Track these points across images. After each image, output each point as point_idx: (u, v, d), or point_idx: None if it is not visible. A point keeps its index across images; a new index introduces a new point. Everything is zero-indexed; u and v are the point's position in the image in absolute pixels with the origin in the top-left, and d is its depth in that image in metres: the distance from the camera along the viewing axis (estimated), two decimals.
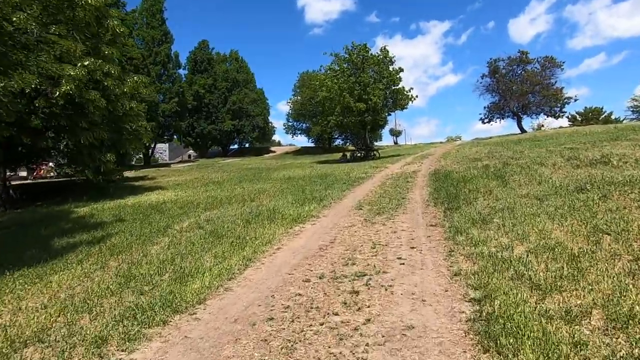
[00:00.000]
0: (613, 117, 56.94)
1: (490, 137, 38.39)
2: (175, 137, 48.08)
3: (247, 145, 57.65)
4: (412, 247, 4.62)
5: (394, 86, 24.21)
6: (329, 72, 25.07)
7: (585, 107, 58.15)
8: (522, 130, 36.68)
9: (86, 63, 10.43)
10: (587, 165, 8.33)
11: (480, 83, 37.84)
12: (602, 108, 61.52)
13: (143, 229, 6.87)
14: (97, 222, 7.87)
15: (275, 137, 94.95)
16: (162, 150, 61.36)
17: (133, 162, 43.40)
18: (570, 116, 53.48)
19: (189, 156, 53.13)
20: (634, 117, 51.66)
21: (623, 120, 52.52)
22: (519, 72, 35.52)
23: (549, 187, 6.60)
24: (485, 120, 38.28)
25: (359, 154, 26.20)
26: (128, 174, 27.67)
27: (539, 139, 22.13)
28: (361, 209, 7.33)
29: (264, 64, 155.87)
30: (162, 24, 37.11)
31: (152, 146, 39.55)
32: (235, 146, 57.42)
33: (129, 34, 31.53)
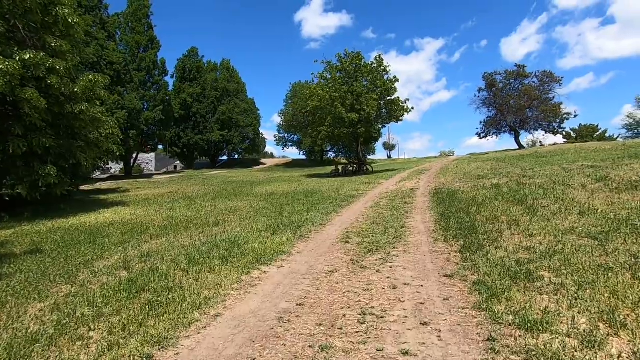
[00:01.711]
0: (607, 134, 56.50)
1: (487, 153, 37.16)
2: (160, 147, 46.22)
3: (236, 156, 55.92)
4: (424, 324, 2.88)
5: (388, 97, 22.78)
6: (320, 80, 23.60)
7: (580, 124, 57.69)
8: (520, 146, 35.52)
9: (27, 57, 8.70)
10: (630, 188, 6.72)
11: (477, 97, 36.79)
12: (597, 125, 61.28)
13: (51, 269, 5.04)
14: (0, 255, 6.01)
15: (269, 149, 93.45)
16: (148, 160, 59.21)
17: (105, 174, 41.38)
18: (564, 133, 52.89)
19: (175, 167, 51.12)
20: (628, 134, 51.03)
21: (617, 137, 51.94)
22: (517, 86, 34.50)
23: (601, 220, 4.95)
24: (482, 135, 37.08)
25: (351, 168, 24.57)
26: (103, 185, 25.69)
27: (542, 155, 20.74)
28: (348, 241, 5.59)
29: (259, 76, 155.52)
30: (149, 30, 35.59)
31: (134, 156, 37.53)
32: (225, 157, 55.65)
33: (109, 37, 29.97)
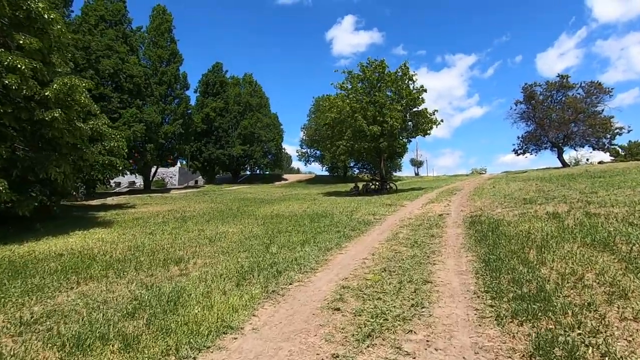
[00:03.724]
0: None
1: (525, 171, 33.86)
2: (180, 161, 45.97)
3: (258, 171, 55.03)
4: None
5: (414, 108, 20.67)
6: (340, 91, 21.88)
7: (630, 141, 52.72)
8: (564, 164, 32.07)
9: None
10: None
11: (514, 110, 33.82)
12: None
13: None
14: None
15: (296, 165, 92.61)
16: (172, 174, 59.45)
17: (131, 186, 41.16)
18: (612, 150, 48.30)
19: (196, 182, 50.67)
20: None
21: None
22: (559, 98, 31.35)
23: None
24: (520, 152, 33.90)
25: (372, 186, 22.43)
26: (114, 199, 24.87)
27: (597, 174, 17.84)
28: (339, 309, 3.59)
29: (289, 93, 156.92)
30: (171, 44, 35.54)
31: (154, 170, 37.08)
32: (247, 172, 54.86)
33: (131, 51, 29.81)
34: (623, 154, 52.04)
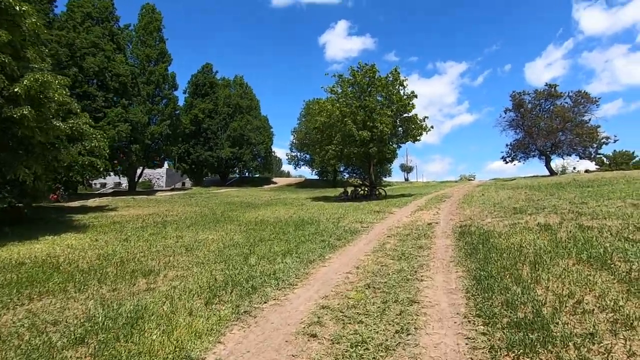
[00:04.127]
0: None
1: (514, 179, 34.03)
2: (167, 162, 45.15)
3: (248, 174, 54.36)
4: None
5: (405, 113, 20.48)
6: (330, 95, 21.59)
7: (614, 151, 53.65)
8: (552, 172, 32.29)
9: None
10: None
11: (503, 118, 34.01)
12: (632, 152, 57.04)
13: None
14: None
15: (287, 168, 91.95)
16: (159, 175, 58.39)
17: (116, 187, 40.16)
18: (597, 159, 49.04)
19: (183, 184, 49.78)
20: None
21: None
22: (547, 107, 31.63)
23: None
24: (508, 159, 34.05)
25: (361, 192, 22.14)
26: (96, 201, 24.07)
27: (584, 184, 17.86)
28: (315, 335, 3.21)
29: (281, 96, 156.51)
30: (160, 43, 34.89)
31: (139, 171, 36.22)
32: (237, 175, 54.15)
33: (118, 49, 29.10)
34: (608, 163, 52.94)
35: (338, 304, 3.92)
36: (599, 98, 31.14)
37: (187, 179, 53.27)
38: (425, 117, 20.62)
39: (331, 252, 6.69)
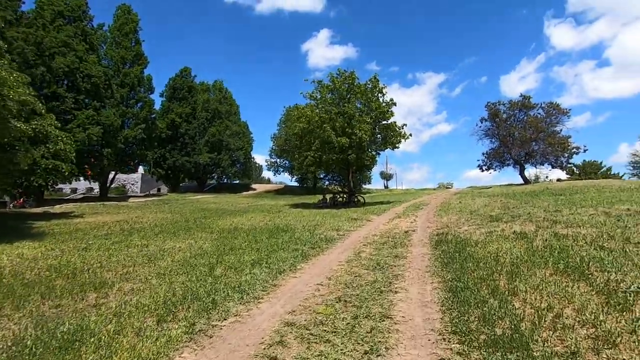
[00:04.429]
0: (612, 172, 54.50)
1: (490, 187, 34.67)
2: (142, 167, 43.81)
3: (227, 180, 53.34)
4: None
5: (384, 121, 20.48)
6: (310, 100, 21.40)
7: (584, 160, 55.73)
8: (526, 180, 33.10)
9: None
10: None
11: (479, 127, 34.72)
12: (600, 162, 59.40)
13: None
14: None
15: (267, 174, 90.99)
16: (133, 181, 56.50)
17: (89, 193, 38.55)
18: (568, 168, 50.80)
19: (158, 190, 48.34)
20: (634, 172, 48.81)
21: (622, 176, 49.90)
22: (521, 117, 32.50)
23: None
24: (484, 168, 34.72)
25: (340, 199, 21.93)
26: (62, 207, 22.86)
27: (557, 192, 18.25)
28: (275, 358, 2.88)
29: (263, 102, 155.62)
30: (136, 45, 33.93)
31: (111, 176, 34.89)
32: (214, 181, 53.08)
33: (91, 49, 28.06)
34: (578, 172, 54.92)
35: (305, 320, 3.59)
36: (569, 109, 32.32)
37: (163, 184, 51.79)
38: (404, 124, 20.71)
39: (304, 262, 6.37)
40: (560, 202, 12.56)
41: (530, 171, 47.25)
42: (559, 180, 40.53)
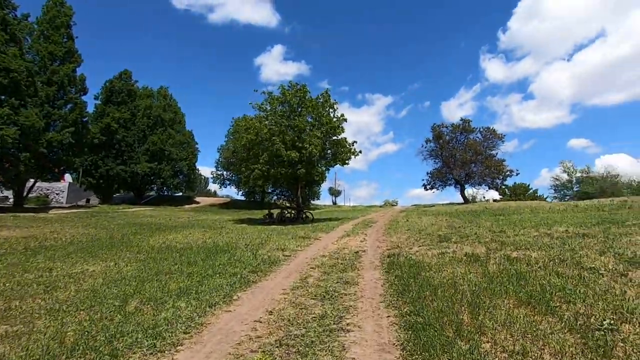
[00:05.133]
0: (538, 194, 59.66)
1: (433, 205, 35.98)
2: (70, 175, 39.59)
3: (168, 192, 49.95)
4: None
5: (334, 136, 20.23)
6: (259, 112, 20.57)
7: (515, 183, 60.62)
8: (466, 200, 34.80)
9: None
10: None
11: (425, 147, 36.17)
12: (528, 185, 65.01)
13: None
14: None
15: (214, 187, 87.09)
16: (59, 190, 50.86)
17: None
18: (501, 190, 54.75)
19: (87, 201, 43.90)
20: (555, 195, 53.69)
21: (546, 198, 54.68)
22: (462, 140, 34.41)
23: None
24: (428, 187, 36.05)
25: (287, 215, 21.11)
26: None
27: (496, 212, 19.07)
28: None
29: (212, 112, 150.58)
30: (68, 41, 30.85)
31: (30, 184, 30.91)
32: (153, 193, 49.46)
33: (11, 40, 24.93)
34: (509, 193, 59.50)
35: None
36: (504, 135, 34.90)
37: (94, 195, 47.20)
38: (354, 141, 20.64)
39: (242, 290, 5.49)
40: (502, 222, 12.90)
41: (468, 191, 50.16)
42: (495, 200, 43.33)
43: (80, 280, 6.05)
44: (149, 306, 4.56)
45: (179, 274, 6.49)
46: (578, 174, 44.41)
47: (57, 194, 50.78)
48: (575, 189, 45.26)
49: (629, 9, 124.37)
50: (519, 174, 35.47)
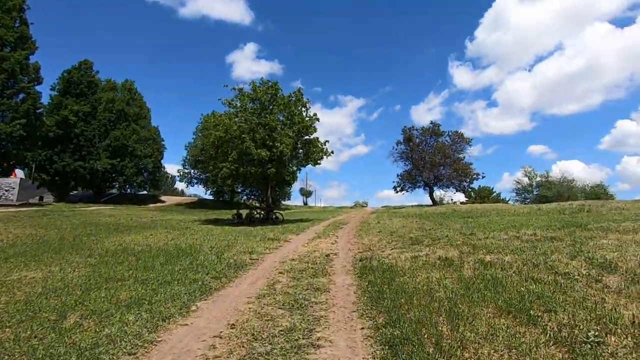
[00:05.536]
0: (501, 197, 62.09)
1: (403, 207, 36.40)
2: (21, 171, 36.84)
3: (131, 191, 47.60)
4: None
5: (306, 136, 19.85)
6: (228, 108, 19.84)
7: (480, 186, 62.84)
8: (434, 202, 35.48)
9: None
10: None
11: (395, 150, 36.55)
12: (492, 188, 67.57)
13: None
14: None
15: (181, 186, 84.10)
16: (8, 187, 47.22)
17: None
18: (467, 192, 56.51)
19: (40, 198, 41.02)
20: (517, 198, 55.80)
21: (509, 200, 56.87)
22: (432, 143, 35.07)
23: None
24: (398, 189, 36.45)
25: (257, 215, 20.49)
26: None
27: (464, 214, 19.41)
28: None
29: (181, 108, 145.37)
30: (21, 25, 28.66)
31: None
32: (114, 191, 46.97)
33: None
34: (474, 196, 61.50)
35: None
36: (471, 139, 35.96)
37: (48, 192, 44.17)
38: (326, 141, 20.36)
39: (202, 299, 4.99)
40: (471, 225, 13.00)
41: (436, 193, 51.36)
42: (462, 202, 44.54)
43: (14, 289, 5.31)
44: (91, 321, 3.98)
45: (132, 280, 5.87)
46: (538, 179, 46.49)
47: (6, 191, 47.15)
48: (535, 193, 47.32)
49: (584, 25, 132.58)
50: (484, 177, 36.62)
